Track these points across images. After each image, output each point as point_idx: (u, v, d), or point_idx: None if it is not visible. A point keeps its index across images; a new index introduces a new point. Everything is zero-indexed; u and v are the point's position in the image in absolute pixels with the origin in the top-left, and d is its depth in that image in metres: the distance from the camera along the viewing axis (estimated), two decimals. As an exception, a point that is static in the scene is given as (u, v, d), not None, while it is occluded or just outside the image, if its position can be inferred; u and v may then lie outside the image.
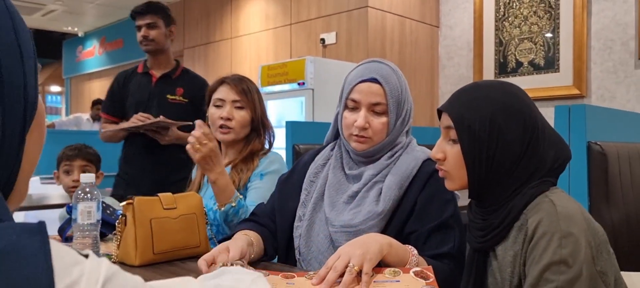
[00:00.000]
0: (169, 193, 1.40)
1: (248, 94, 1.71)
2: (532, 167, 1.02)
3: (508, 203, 1.02)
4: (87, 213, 1.29)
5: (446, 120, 1.06)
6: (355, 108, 1.29)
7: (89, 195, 1.30)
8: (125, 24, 7.48)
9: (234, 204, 1.52)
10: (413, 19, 4.67)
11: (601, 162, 1.94)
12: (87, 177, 1.33)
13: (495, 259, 1.05)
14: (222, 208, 1.53)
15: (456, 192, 1.31)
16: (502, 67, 4.42)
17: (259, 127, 1.75)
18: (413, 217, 1.23)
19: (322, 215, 1.31)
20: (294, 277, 1.06)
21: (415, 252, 1.13)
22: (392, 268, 1.04)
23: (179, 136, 2.51)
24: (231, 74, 1.80)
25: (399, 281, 1.00)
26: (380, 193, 1.25)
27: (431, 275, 1.01)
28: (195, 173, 1.84)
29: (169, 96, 2.60)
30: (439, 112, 1.11)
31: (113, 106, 2.68)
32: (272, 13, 5.25)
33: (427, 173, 1.26)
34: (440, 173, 1.11)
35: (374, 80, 1.27)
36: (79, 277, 0.41)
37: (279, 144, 3.02)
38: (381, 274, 1.03)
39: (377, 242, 1.05)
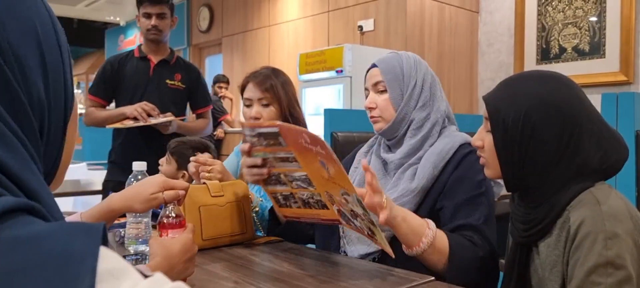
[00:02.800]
0: (216, 182, 1.44)
1: (272, 90, 1.74)
2: (573, 167, 0.98)
3: (551, 199, 1.00)
4: (140, 200, 1.34)
5: (485, 110, 1.07)
6: (368, 96, 1.45)
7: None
8: (165, 13, 7.62)
9: (257, 208, 1.56)
10: (452, 5, 4.60)
11: (650, 151, 1.89)
12: (139, 165, 1.38)
13: (538, 255, 1.05)
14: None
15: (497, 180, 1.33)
16: (544, 53, 4.32)
17: (288, 119, 1.77)
18: (444, 193, 1.29)
19: None
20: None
21: (433, 225, 1.18)
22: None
23: (180, 125, 2.63)
24: (259, 67, 1.82)
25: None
26: (415, 172, 1.33)
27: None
28: (233, 162, 1.88)
29: (168, 81, 2.67)
30: None
31: (104, 89, 2.67)
32: (309, 0, 5.25)
33: (462, 155, 1.32)
34: (481, 160, 1.14)
35: (373, 66, 1.43)
36: None
37: (318, 132, 3.04)
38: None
39: (399, 214, 1.15)
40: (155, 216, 1.56)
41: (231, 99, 6.17)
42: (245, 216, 1.45)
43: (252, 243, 1.46)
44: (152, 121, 2.48)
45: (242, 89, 1.81)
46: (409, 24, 4.30)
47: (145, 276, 0.40)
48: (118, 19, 8.85)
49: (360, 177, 1.43)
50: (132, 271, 0.39)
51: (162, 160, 2.28)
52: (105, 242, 0.39)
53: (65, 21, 9.22)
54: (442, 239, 1.17)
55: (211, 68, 7.23)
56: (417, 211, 1.29)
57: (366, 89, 1.45)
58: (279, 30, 5.69)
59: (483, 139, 1.09)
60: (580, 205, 0.97)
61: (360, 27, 4.58)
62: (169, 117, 2.53)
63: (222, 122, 5.85)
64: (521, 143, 0.99)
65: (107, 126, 2.58)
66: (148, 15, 2.63)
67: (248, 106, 1.77)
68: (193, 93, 2.77)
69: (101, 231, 0.39)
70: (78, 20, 9.76)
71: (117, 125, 2.54)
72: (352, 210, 1.13)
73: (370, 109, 1.41)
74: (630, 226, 0.93)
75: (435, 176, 1.30)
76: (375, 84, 1.41)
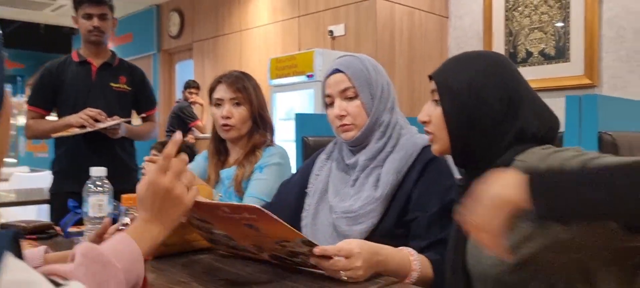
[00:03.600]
0: (180, 186, 1.40)
1: (244, 91, 1.74)
2: (513, 132, 1.02)
3: (495, 163, 1.01)
4: (98, 206, 1.30)
5: (432, 84, 1.11)
6: (332, 102, 1.38)
7: (100, 188, 1.32)
8: (134, 18, 7.51)
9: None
10: (422, 10, 4.64)
11: (613, 152, 1.92)
12: (98, 171, 1.34)
13: None
14: None
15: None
16: (512, 57, 4.38)
17: (257, 120, 1.77)
18: (413, 203, 1.26)
19: (326, 204, 1.37)
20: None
21: (415, 253, 1.15)
22: None
23: (128, 129, 2.56)
24: (229, 71, 1.82)
25: None
26: (379, 179, 1.29)
27: None
28: (200, 166, 1.86)
29: (112, 84, 2.60)
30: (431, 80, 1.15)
31: (44, 98, 2.55)
32: (279, 5, 5.24)
33: (426, 160, 1.29)
34: (429, 138, 1.13)
35: (336, 71, 1.36)
36: None
37: (289, 136, 3.01)
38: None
39: (375, 269, 1.08)
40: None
41: (202, 105, 6.11)
42: (209, 221, 1.41)
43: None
44: (100, 125, 2.39)
45: (211, 91, 1.80)
46: (379, 28, 4.32)
47: (58, 285, 0.37)
48: (86, 24, 8.69)
49: (322, 186, 1.40)
50: (43, 283, 0.36)
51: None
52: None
53: (32, 26, 8.99)
54: (426, 270, 1.15)
55: (182, 74, 7.15)
56: (382, 219, 1.27)
57: (328, 96, 1.39)
58: (250, 35, 5.66)
59: (430, 113, 1.11)
60: (528, 156, 0.99)
61: (331, 32, 4.58)
62: (116, 120, 2.44)
63: (193, 128, 5.79)
64: (468, 106, 1.03)
65: (53, 135, 2.47)
66: (89, 16, 2.53)
67: (218, 106, 1.76)
68: (139, 95, 2.69)
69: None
70: (45, 26, 9.54)
71: (63, 133, 2.43)
72: (290, 251, 1.10)
73: (341, 116, 1.35)
74: None
75: (399, 182, 1.28)
76: (344, 90, 1.35)
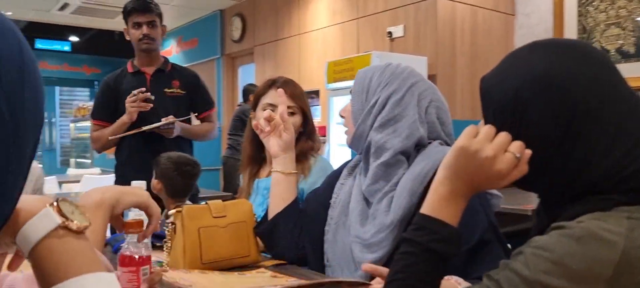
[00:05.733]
0: (219, 201, 1.37)
1: (299, 99, 1.69)
2: (573, 164, 0.74)
3: (555, 211, 0.77)
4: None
5: None
6: None
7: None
8: (199, 24, 7.70)
9: None
10: (486, 8, 4.43)
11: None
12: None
13: None
14: None
15: (494, 191, 1.16)
16: (585, 56, 4.11)
17: (309, 130, 1.72)
18: None
19: (347, 221, 1.26)
20: None
21: (462, 282, 1.02)
22: None
23: (183, 128, 2.59)
24: (277, 76, 1.78)
25: None
26: (391, 202, 1.15)
27: None
28: (242, 180, 1.82)
29: (166, 90, 2.64)
30: None
31: (105, 111, 2.65)
32: (338, 7, 5.18)
33: None
34: None
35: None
36: None
37: (344, 140, 2.94)
38: None
39: None
40: (156, 236, 1.51)
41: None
42: (249, 237, 1.38)
43: (256, 266, 1.39)
44: (155, 125, 2.46)
45: (261, 95, 1.74)
46: (440, 28, 4.17)
47: None
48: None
49: (345, 198, 1.29)
50: None
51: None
52: None
53: (107, 33, 9.34)
54: None
55: (244, 77, 7.25)
56: (397, 248, 1.15)
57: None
58: (309, 38, 5.64)
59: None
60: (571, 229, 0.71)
61: (390, 34, 4.48)
62: (170, 118, 2.49)
63: (254, 132, 5.83)
64: (512, 124, 0.77)
65: (110, 138, 2.56)
66: (138, 25, 2.60)
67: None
68: (193, 97, 2.73)
69: None
70: (119, 33, 10.00)
71: (118, 136, 2.54)
72: None
73: (342, 117, 1.30)
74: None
75: (413, 204, 1.11)
76: (351, 91, 1.28)
